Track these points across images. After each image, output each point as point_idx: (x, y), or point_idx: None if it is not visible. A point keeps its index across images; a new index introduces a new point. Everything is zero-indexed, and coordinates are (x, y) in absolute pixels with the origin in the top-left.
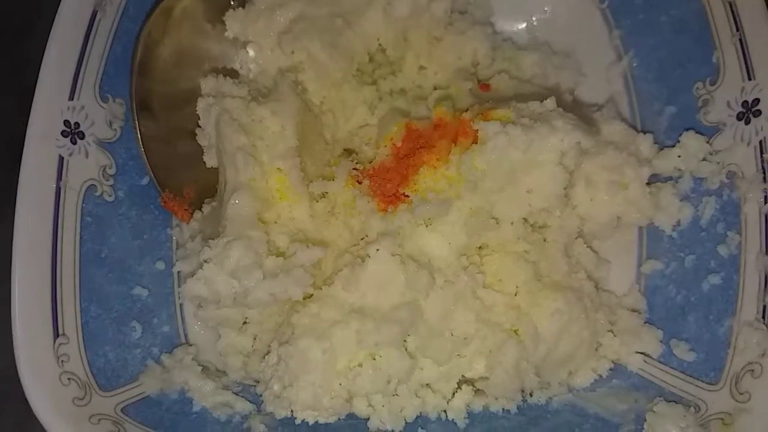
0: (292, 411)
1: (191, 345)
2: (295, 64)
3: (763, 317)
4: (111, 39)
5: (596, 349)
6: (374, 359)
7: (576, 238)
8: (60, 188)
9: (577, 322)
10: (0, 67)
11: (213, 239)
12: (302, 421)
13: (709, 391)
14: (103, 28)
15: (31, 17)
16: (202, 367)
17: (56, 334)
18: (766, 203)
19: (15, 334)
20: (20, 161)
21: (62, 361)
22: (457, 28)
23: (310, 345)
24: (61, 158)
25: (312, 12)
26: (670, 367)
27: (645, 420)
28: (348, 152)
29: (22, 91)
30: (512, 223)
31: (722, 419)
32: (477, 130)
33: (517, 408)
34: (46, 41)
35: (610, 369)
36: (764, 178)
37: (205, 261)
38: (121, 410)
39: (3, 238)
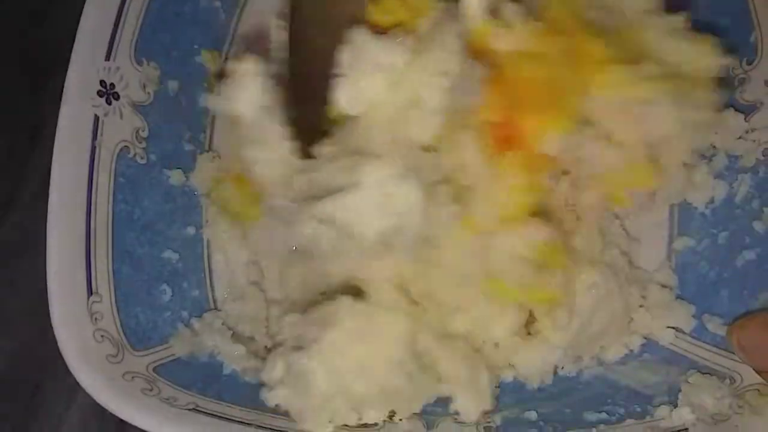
0: None
1: (220, 310)
2: None
3: None
4: None
5: (628, 324)
6: None
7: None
8: (95, 147)
9: (612, 297)
10: (14, 49)
11: None
12: None
13: (743, 363)
14: None
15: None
16: (232, 332)
17: (90, 292)
18: None
19: (50, 289)
20: (37, 144)
21: (96, 318)
22: None
23: None
24: (97, 118)
25: None
26: (703, 341)
27: (680, 390)
28: None
29: (36, 74)
30: None
31: (758, 389)
32: None
33: None
34: (60, 23)
35: (641, 344)
36: None
37: None
38: (153, 369)
39: (22, 222)
